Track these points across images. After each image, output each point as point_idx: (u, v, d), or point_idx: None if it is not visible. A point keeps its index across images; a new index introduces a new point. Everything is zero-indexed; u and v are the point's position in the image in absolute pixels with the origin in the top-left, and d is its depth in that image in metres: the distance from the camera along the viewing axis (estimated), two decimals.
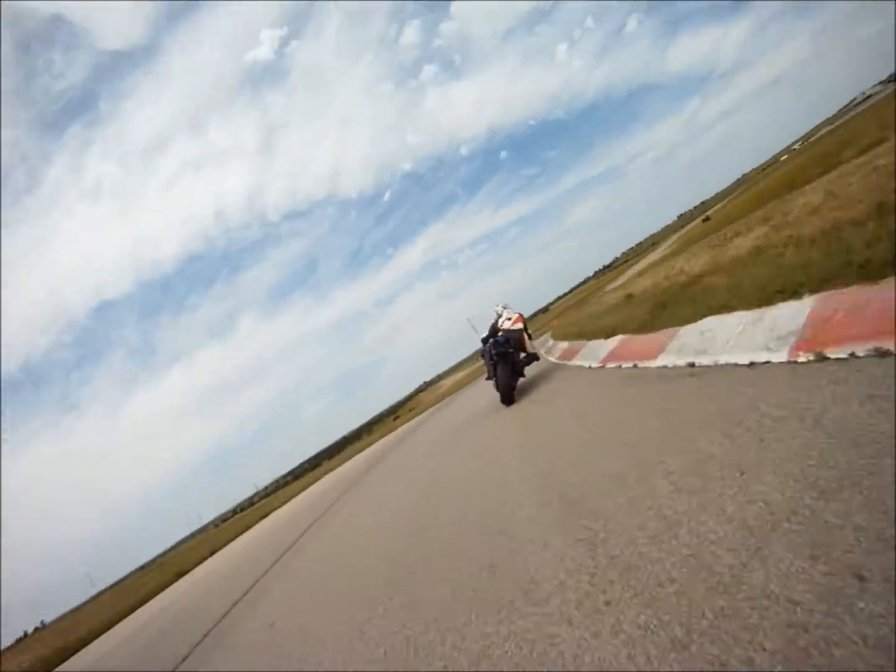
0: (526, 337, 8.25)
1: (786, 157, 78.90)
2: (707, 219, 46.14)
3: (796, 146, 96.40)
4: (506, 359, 7.49)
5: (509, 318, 8.43)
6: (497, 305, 9.02)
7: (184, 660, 4.46)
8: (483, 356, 8.02)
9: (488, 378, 8.14)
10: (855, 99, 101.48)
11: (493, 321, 8.78)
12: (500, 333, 8.12)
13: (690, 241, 23.05)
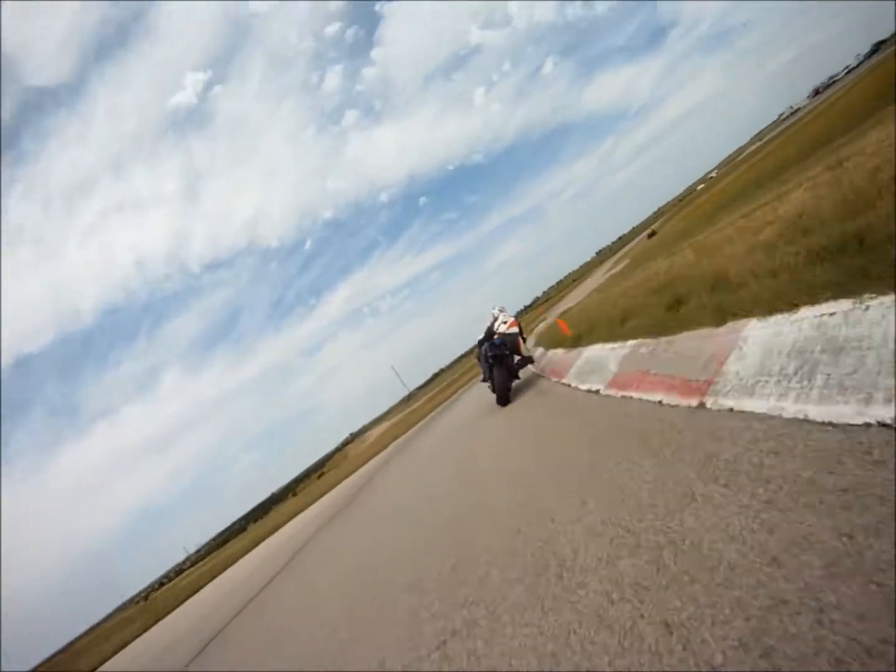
0: (521, 341, 8.51)
1: (702, 185, 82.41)
2: (653, 233, 48.05)
3: (713, 174, 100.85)
4: (502, 361, 7.71)
5: (505, 322, 8.54)
6: (494, 308, 9.09)
7: None
8: (479, 359, 8.35)
9: (483, 380, 8.47)
10: (783, 113, 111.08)
11: (489, 324, 8.85)
12: (496, 336, 8.27)
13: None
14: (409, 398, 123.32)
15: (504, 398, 7.58)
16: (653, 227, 52.36)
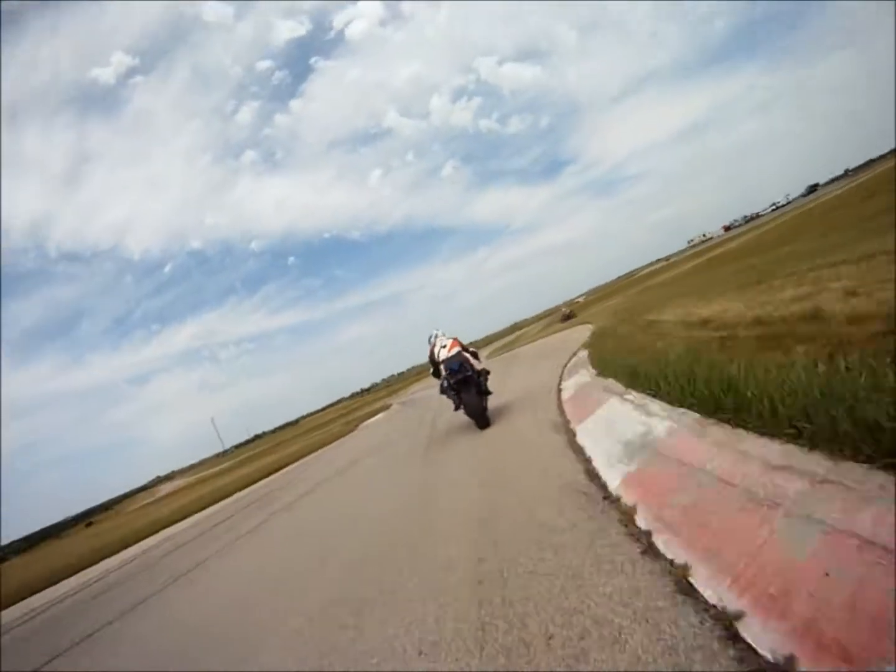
0: (469, 356, 7.98)
1: (580, 298, 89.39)
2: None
3: (579, 299, 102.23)
4: (468, 383, 7.48)
5: (444, 346, 8.11)
6: (431, 334, 8.65)
7: None
8: (443, 391, 7.95)
9: (456, 409, 7.95)
10: (693, 240, 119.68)
11: (429, 350, 8.46)
12: (445, 361, 7.82)
13: None
14: (224, 454, 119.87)
15: (483, 419, 7.41)
16: (568, 309, 48.48)
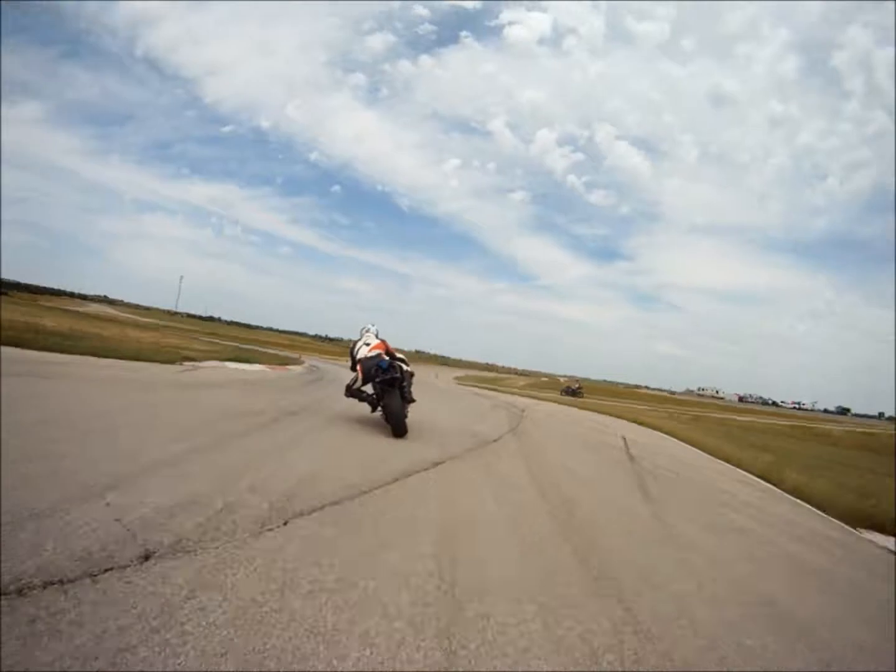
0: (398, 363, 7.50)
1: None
2: None
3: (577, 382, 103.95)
4: (392, 386, 7.06)
5: (368, 345, 7.61)
6: (365, 327, 8.16)
7: None
8: (353, 392, 7.57)
9: (374, 411, 7.58)
10: (703, 390, 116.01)
11: (352, 344, 8.09)
12: (360, 362, 7.44)
13: None
14: (174, 315, 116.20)
15: (400, 427, 6.95)
16: (577, 384, 43.66)
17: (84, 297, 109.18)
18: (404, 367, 7.50)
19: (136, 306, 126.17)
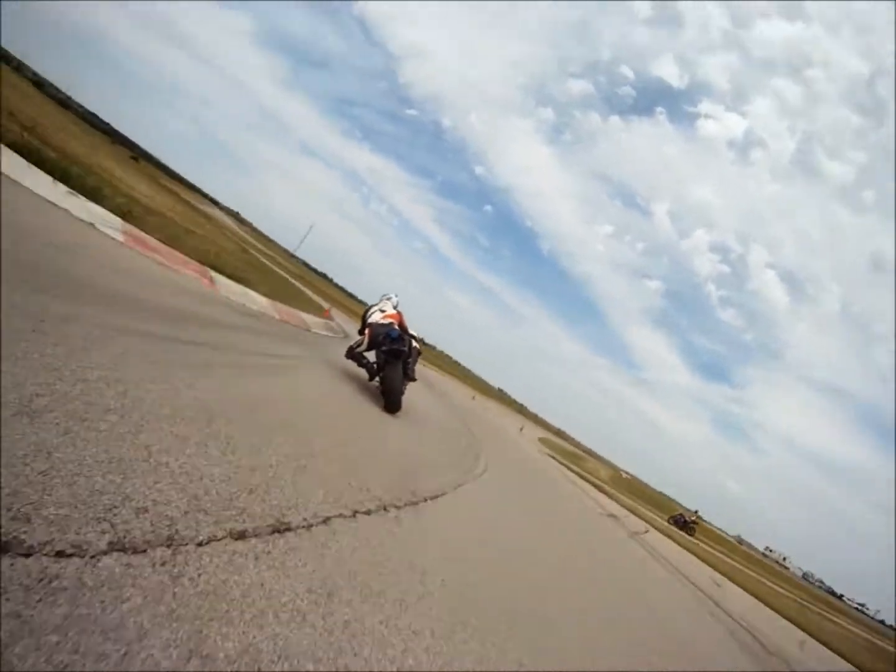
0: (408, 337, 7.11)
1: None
2: None
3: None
4: (397, 358, 6.62)
5: (382, 311, 7.36)
6: (386, 294, 7.96)
7: None
8: (354, 355, 7.06)
9: (371, 379, 7.15)
10: (770, 550, 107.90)
11: (366, 310, 7.78)
12: (369, 326, 7.09)
13: None
14: (292, 256, 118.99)
15: (396, 403, 6.46)
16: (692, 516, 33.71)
17: (215, 203, 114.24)
18: (414, 343, 7.23)
19: (261, 234, 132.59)
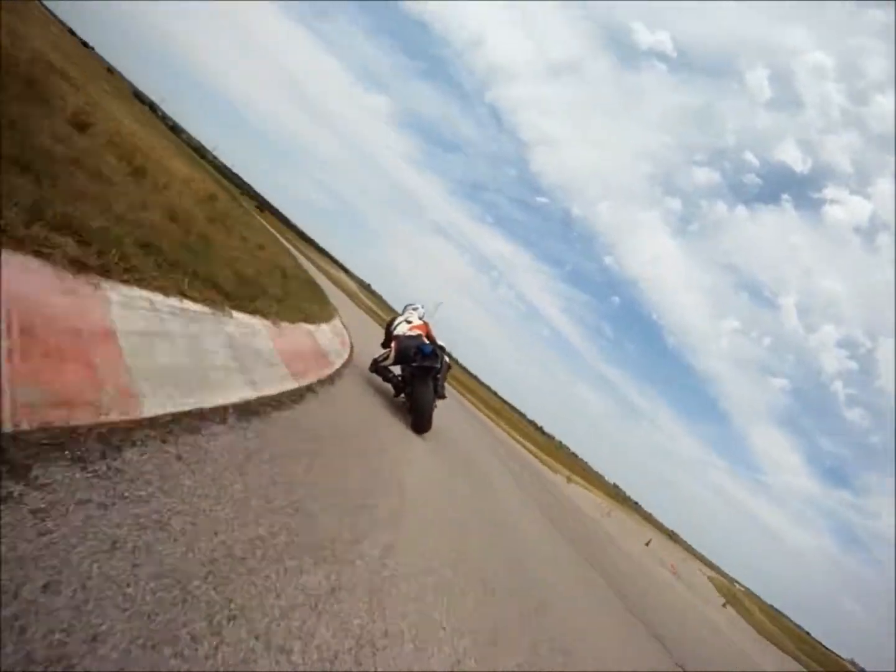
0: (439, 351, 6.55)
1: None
2: None
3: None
4: (428, 375, 6.17)
5: (409, 322, 6.95)
6: (411, 304, 7.58)
7: None
8: (379, 369, 6.59)
9: (396, 396, 6.69)
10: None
11: (390, 319, 7.41)
12: (393, 341, 6.61)
13: None
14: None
15: (425, 423, 6.05)
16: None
17: (346, 271, 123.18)
18: (445, 357, 6.69)
19: (389, 307, 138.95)
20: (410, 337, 6.55)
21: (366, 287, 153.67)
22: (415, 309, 7.40)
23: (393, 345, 6.52)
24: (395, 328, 6.94)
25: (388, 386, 6.70)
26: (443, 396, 6.70)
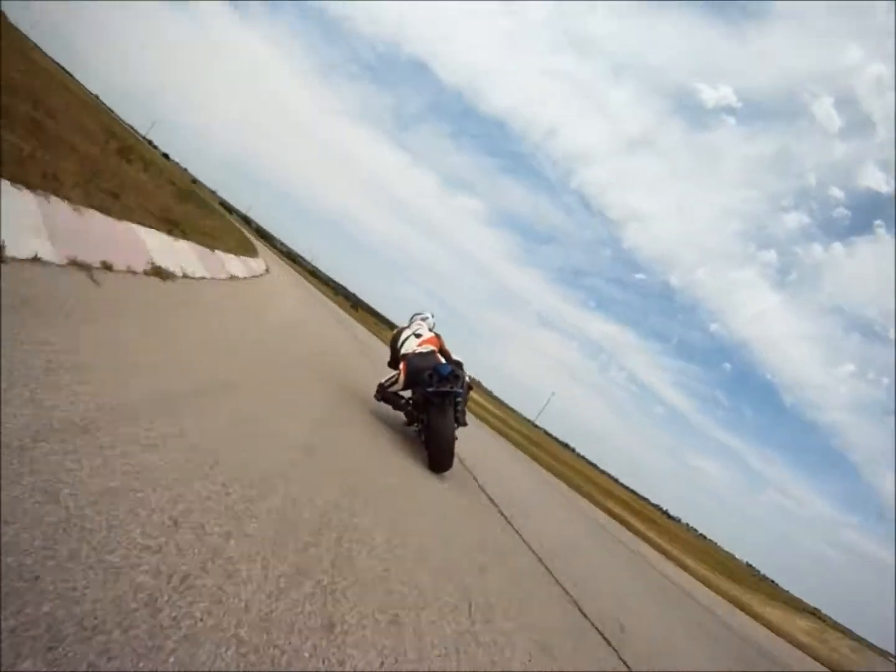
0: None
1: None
2: None
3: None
4: (446, 401, 5.03)
5: (419, 336, 5.88)
6: (420, 314, 6.49)
7: None
8: (386, 396, 5.63)
9: (409, 424, 5.71)
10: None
11: (395, 333, 6.33)
12: (404, 358, 5.58)
13: None
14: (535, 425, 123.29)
15: (446, 460, 4.91)
16: None
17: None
18: (466, 375, 5.47)
19: (500, 401, 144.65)
20: (422, 355, 5.46)
21: (476, 384, 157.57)
22: (424, 319, 6.34)
23: (402, 366, 5.43)
24: (402, 345, 5.90)
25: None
26: (464, 423, 5.49)
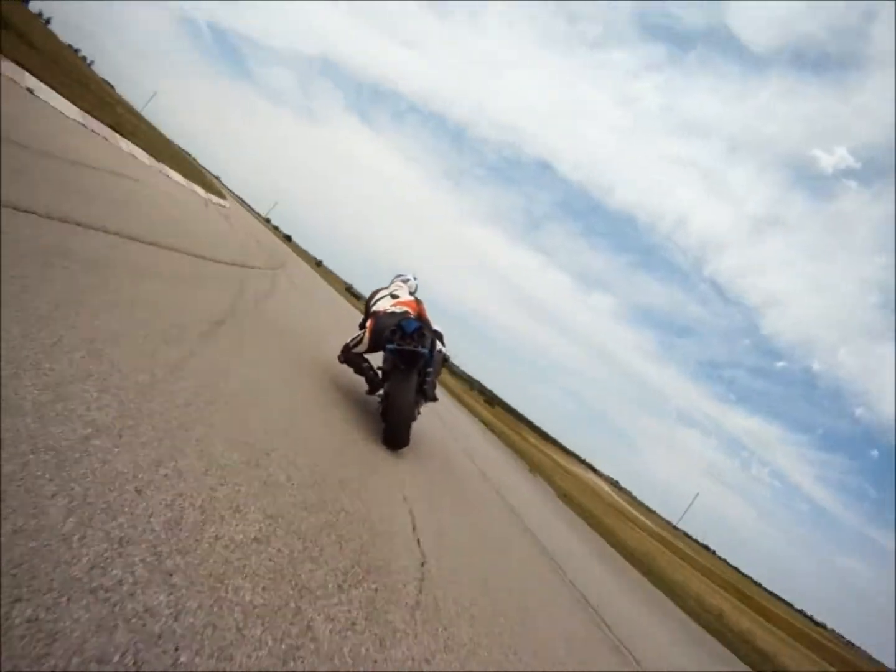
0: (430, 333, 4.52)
1: None
2: None
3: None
4: (412, 365, 4.19)
5: (394, 297, 4.98)
6: (402, 276, 5.68)
7: None
8: (349, 357, 4.74)
9: (371, 392, 4.92)
10: None
11: (371, 294, 5.40)
12: (373, 315, 4.69)
13: None
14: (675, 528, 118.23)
15: (401, 436, 4.15)
16: None
17: (594, 469, 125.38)
18: (439, 344, 4.68)
19: (640, 503, 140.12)
20: (392, 313, 4.56)
21: (614, 484, 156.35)
22: (405, 281, 5.56)
23: (368, 323, 4.64)
24: (374, 303, 5.07)
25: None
26: (432, 398, 4.70)
